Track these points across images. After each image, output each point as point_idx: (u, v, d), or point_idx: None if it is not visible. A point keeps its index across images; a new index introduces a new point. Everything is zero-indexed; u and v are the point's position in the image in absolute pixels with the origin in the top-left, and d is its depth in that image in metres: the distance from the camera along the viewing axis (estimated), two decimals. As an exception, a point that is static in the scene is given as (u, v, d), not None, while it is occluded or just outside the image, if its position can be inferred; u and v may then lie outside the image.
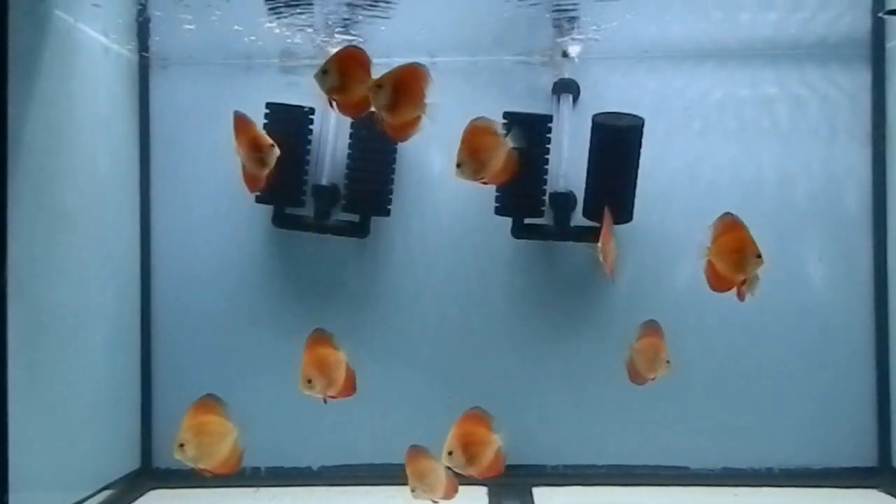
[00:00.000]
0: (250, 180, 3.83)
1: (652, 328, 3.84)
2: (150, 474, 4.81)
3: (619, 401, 4.66)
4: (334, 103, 3.61)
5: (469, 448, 3.54)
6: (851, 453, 4.71)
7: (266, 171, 3.80)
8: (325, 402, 3.70)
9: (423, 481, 3.57)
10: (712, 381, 4.72)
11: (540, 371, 4.77)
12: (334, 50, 4.65)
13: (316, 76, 3.54)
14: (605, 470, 4.77)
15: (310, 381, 3.59)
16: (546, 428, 4.78)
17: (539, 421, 4.78)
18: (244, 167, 3.80)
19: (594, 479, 4.72)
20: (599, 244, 3.81)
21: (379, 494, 4.43)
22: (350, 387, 3.67)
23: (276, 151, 3.76)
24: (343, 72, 3.55)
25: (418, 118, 3.57)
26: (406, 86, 3.53)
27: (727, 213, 3.60)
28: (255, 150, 3.76)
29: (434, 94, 3.58)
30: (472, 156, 3.59)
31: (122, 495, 4.52)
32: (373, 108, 3.57)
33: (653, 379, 3.84)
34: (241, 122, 3.82)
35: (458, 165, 3.59)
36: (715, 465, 4.75)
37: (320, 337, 3.71)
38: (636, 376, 3.87)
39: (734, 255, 3.50)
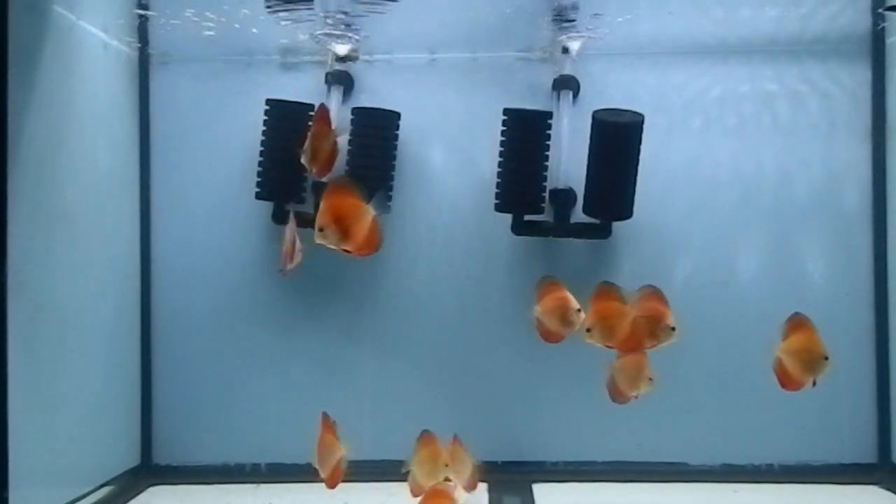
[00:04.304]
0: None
1: None
2: (150, 470, 4.82)
3: (619, 397, 4.66)
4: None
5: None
6: (851, 450, 4.72)
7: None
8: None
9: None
10: (712, 377, 4.72)
11: (539, 367, 4.77)
12: (337, 48, 4.72)
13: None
14: (604, 466, 4.77)
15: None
16: (546, 424, 4.78)
17: (539, 417, 4.78)
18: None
19: (594, 476, 4.72)
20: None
21: (380, 491, 4.42)
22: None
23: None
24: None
25: (373, 225, 3.46)
26: (343, 209, 3.42)
27: (797, 313, 3.62)
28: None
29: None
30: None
31: (122, 491, 4.52)
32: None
33: (635, 397, 3.75)
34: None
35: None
36: (715, 462, 4.75)
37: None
38: (617, 395, 3.77)
39: (803, 354, 3.57)
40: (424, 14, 4.52)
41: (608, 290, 3.64)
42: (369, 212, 3.44)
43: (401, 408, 4.74)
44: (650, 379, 3.73)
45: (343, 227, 3.39)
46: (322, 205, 3.41)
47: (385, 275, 4.83)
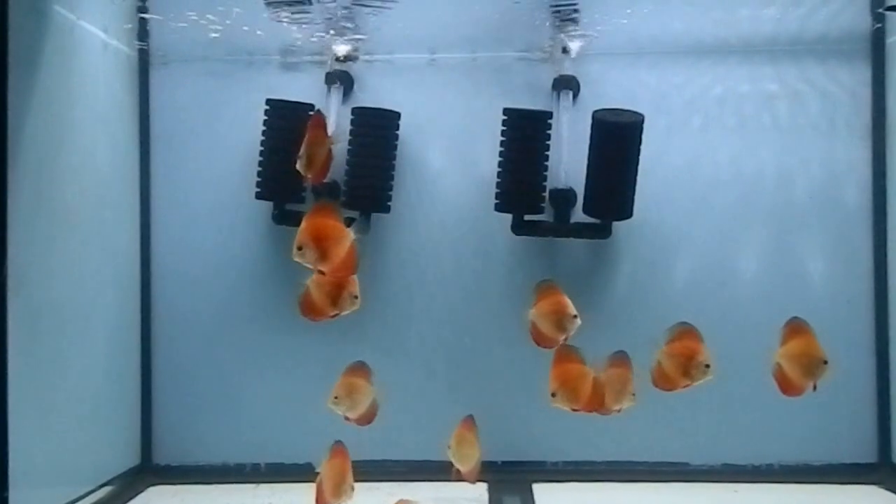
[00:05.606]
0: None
1: (620, 359, 3.72)
2: (150, 470, 4.82)
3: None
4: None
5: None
6: (851, 449, 4.71)
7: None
8: (346, 419, 3.84)
9: None
10: (712, 377, 4.71)
11: (539, 367, 4.74)
12: (337, 48, 4.72)
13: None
14: (605, 466, 4.77)
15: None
16: (546, 424, 4.76)
17: (539, 417, 4.76)
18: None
19: (594, 476, 4.72)
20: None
21: (380, 491, 4.42)
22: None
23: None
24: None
25: (351, 249, 3.48)
26: (323, 230, 3.45)
27: (794, 318, 3.60)
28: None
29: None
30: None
31: (122, 491, 4.52)
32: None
33: (617, 411, 3.74)
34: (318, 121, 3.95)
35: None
36: (715, 462, 4.75)
37: (359, 368, 3.84)
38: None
39: (803, 359, 3.55)
40: (424, 14, 4.52)
41: (568, 353, 3.65)
42: (349, 235, 3.48)
43: (400, 407, 4.72)
44: (633, 395, 3.72)
45: (321, 248, 3.43)
46: (303, 224, 3.45)
47: (385, 274, 4.83)
